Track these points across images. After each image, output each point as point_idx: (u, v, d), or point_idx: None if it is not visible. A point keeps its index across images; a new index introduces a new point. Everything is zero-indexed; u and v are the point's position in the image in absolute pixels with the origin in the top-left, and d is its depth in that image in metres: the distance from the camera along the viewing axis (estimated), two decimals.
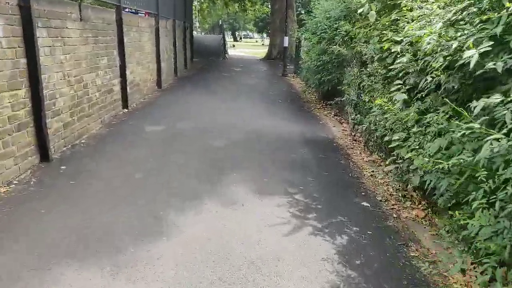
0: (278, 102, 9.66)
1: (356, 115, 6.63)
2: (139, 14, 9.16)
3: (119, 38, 6.86)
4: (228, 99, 9.49)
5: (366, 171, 4.97)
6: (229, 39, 59.96)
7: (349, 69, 7.10)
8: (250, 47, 47.70)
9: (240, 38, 67.92)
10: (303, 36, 9.57)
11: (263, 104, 9.12)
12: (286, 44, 15.77)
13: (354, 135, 6.67)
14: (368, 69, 5.41)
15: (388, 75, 4.07)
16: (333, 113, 8.44)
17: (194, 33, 31.39)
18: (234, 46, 45.81)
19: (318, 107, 9.19)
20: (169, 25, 11.84)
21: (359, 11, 4.04)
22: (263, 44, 54.09)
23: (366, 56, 5.26)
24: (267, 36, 59.74)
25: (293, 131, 6.74)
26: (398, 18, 3.78)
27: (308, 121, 7.73)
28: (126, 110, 7.38)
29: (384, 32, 3.83)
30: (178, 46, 13.50)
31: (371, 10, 3.82)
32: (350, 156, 5.59)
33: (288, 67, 15.96)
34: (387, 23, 3.89)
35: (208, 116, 7.46)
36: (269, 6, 28.03)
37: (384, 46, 3.47)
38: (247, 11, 26.54)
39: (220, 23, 28.48)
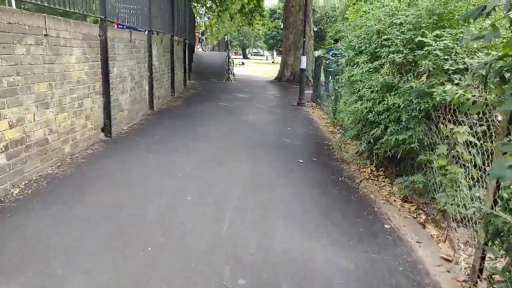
0: (298, 163, 5.82)
1: (495, 245, 2.75)
2: (68, 16, 5.46)
3: None
4: (214, 164, 5.60)
5: None
6: (238, 56, 56.76)
7: (456, 127, 3.29)
8: (259, 65, 44.32)
9: (246, 57, 64.88)
10: (343, 55, 5.79)
11: (272, 175, 5.21)
12: (303, 65, 11.99)
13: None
14: None
15: None
16: (400, 197, 4.57)
17: (199, 50, 27.85)
18: (243, 63, 42.44)
19: (367, 176, 5.35)
20: (140, 39, 8.16)
21: None
22: (273, 62, 50.80)
23: None
24: (277, 54, 56.35)
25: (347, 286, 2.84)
26: None
27: (364, 227, 3.81)
28: None
29: None
30: (160, 68, 9.82)
31: None
32: None
33: (305, 92, 12.16)
34: None
35: (161, 228, 3.47)
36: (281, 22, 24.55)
37: None
38: (254, 25, 23.04)
39: (226, 39, 24.93)
